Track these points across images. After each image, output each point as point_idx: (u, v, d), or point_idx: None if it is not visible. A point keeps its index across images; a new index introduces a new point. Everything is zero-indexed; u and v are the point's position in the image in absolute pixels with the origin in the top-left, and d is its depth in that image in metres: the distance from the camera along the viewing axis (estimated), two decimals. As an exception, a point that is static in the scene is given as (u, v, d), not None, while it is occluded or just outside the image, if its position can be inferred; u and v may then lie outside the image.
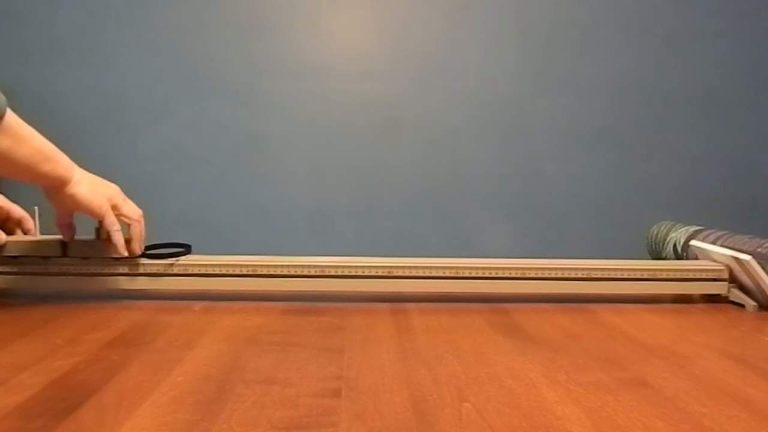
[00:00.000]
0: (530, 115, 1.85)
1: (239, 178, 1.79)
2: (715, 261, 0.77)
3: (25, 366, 0.47)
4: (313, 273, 0.72)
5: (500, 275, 0.73)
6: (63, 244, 0.71)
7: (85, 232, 0.73)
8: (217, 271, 0.72)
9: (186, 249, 0.74)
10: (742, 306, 0.72)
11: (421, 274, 0.72)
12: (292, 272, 0.72)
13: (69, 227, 0.72)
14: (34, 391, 0.42)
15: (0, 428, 0.37)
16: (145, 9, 1.78)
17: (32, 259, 0.72)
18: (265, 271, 0.72)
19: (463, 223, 1.83)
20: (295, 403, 0.41)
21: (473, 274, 0.73)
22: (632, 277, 0.74)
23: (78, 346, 0.53)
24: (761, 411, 0.41)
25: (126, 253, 0.71)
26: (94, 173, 0.71)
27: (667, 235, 0.95)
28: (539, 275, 0.73)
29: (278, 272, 0.72)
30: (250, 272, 0.72)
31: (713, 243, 0.81)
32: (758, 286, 0.71)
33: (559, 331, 0.61)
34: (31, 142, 0.63)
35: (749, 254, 0.71)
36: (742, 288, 0.74)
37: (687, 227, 0.92)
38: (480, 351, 0.53)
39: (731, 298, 0.74)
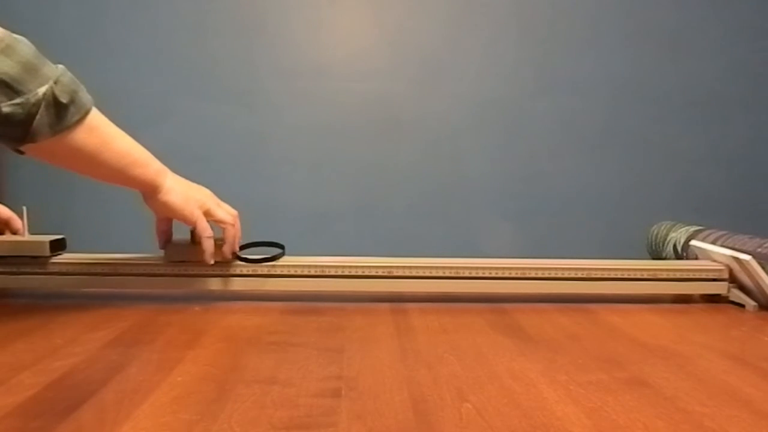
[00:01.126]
0: (530, 115, 1.85)
1: (239, 177, 1.79)
2: (715, 261, 0.77)
3: (25, 366, 0.47)
4: (313, 273, 0.72)
5: (500, 275, 0.73)
6: (51, 244, 0.71)
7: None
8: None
9: (281, 250, 0.73)
10: (742, 306, 0.72)
11: (421, 274, 0.72)
12: (292, 272, 0.72)
13: (164, 233, 0.72)
14: (34, 391, 0.42)
15: (0, 428, 0.37)
16: (145, 9, 1.78)
17: (21, 259, 0.71)
18: (266, 271, 0.72)
19: (463, 223, 1.83)
20: (295, 403, 0.41)
21: (473, 274, 0.73)
22: (632, 277, 0.74)
23: (78, 346, 0.53)
24: (761, 411, 0.41)
25: (212, 261, 0.70)
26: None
27: (667, 235, 0.95)
28: (539, 275, 0.73)
29: (278, 272, 0.72)
30: (251, 272, 0.72)
31: (713, 243, 0.81)
32: (758, 286, 0.71)
33: (559, 331, 0.61)
34: (119, 144, 0.63)
35: (749, 254, 0.71)
36: (742, 288, 0.74)
37: (687, 227, 0.92)
38: (480, 351, 0.53)
39: (731, 298, 0.74)
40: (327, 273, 0.72)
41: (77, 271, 0.72)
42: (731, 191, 1.86)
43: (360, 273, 0.72)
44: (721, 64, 1.85)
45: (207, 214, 0.70)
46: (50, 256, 0.71)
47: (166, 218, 0.71)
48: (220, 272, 0.72)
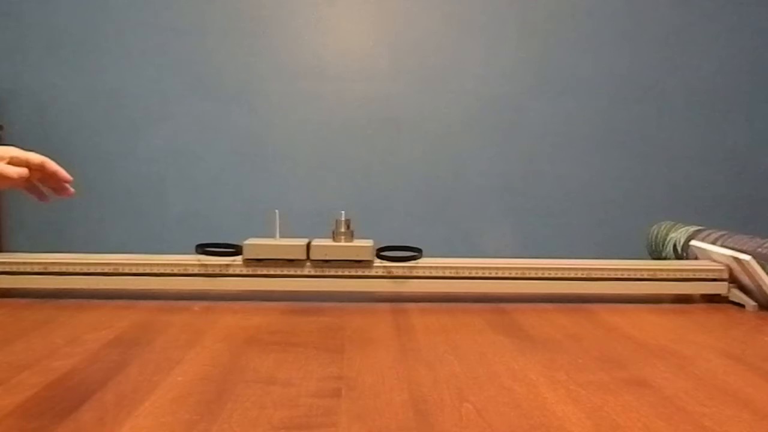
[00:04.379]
0: (530, 114, 1.85)
1: (239, 177, 1.79)
2: (715, 261, 0.77)
3: (25, 366, 0.47)
4: (313, 273, 0.72)
5: (500, 275, 0.73)
6: (306, 247, 0.71)
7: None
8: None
9: (418, 252, 0.73)
10: (742, 306, 0.72)
11: (421, 274, 0.72)
12: (292, 272, 0.72)
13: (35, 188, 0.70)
14: (34, 391, 0.42)
15: (0, 428, 0.37)
16: (145, 9, 1.78)
17: (277, 261, 0.72)
18: (264, 271, 0.72)
19: (463, 223, 1.83)
20: (295, 403, 0.41)
21: (473, 274, 0.73)
22: (632, 277, 0.74)
23: (78, 346, 0.53)
24: (761, 411, 0.41)
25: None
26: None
27: (667, 235, 0.95)
28: (539, 275, 0.73)
29: (278, 272, 0.72)
30: (249, 272, 0.72)
31: (713, 243, 0.81)
32: (758, 286, 0.71)
33: (559, 331, 0.61)
34: None
35: (749, 254, 0.71)
36: (742, 288, 0.74)
37: (687, 227, 0.92)
38: (480, 351, 0.53)
39: (731, 298, 0.74)
40: (327, 273, 0.72)
41: (77, 271, 0.72)
42: (731, 191, 1.86)
43: (360, 273, 0.72)
44: (721, 64, 1.85)
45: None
46: (305, 259, 0.72)
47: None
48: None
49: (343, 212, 0.73)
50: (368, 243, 0.73)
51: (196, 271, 0.72)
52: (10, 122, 1.65)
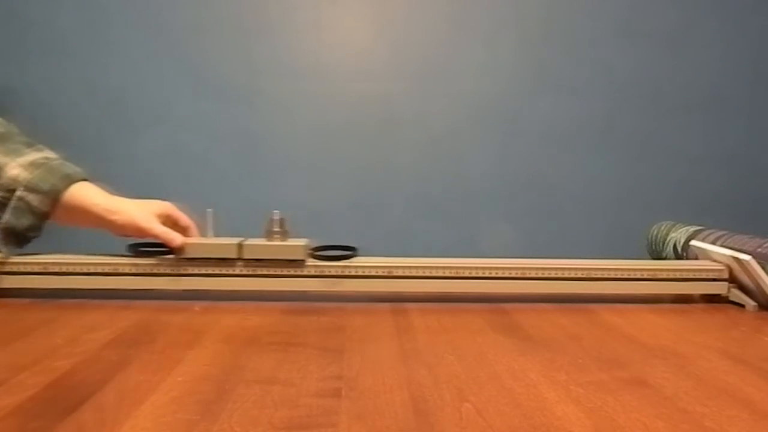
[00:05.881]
0: (530, 114, 1.85)
1: (239, 177, 1.79)
2: (715, 261, 0.77)
3: (25, 366, 0.47)
4: (313, 273, 0.72)
5: (500, 275, 0.73)
6: (238, 246, 0.71)
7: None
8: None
9: (353, 251, 0.73)
10: (742, 306, 0.72)
11: (421, 274, 0.72)
12: (294, 272, 0.72)
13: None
14: (34, 391, 0.42)
15: (0, 428, 0.37)
16: (145, 9, 1.77)
17: (209, 261, 0.72)
18: (266, 271, 0.72)
19: (463, 223, 1.83)
20: (295, 403, 0.41)
21: (473, 274, 0.73)
22: (632, 277, 0.74)
23: (78, 346, 0.53)
24: (761, 411, 0.41)
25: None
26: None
27: (667, 235, 0.95)
28: (539, 275, 0.73)
29: (280, 272, 0.72)
30: (250, 272, 0.72)
31: (713, 243, 0.81)
32: (758, 286, 0.71)
33: (559, 331, 0.61)
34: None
35: (749, 254, 0.71)
36: (742, 288, 0.74)
37: (687, 227, 0.92)
38: (480, 351, 0.53)
39: (731, 298, 0.74)
40: (327, 273, 0.72)
41: (77, 271, 0.72)
42: (731, 191, 1.86)
43: (360, 273, 0.72)
44: (721, 64, 1.85)
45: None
46: (237, 258, 0.72)
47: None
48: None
49: (277, 211, 0.73)
50: (301, 242, 0.72)
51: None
52: (10, 121, 1.64)
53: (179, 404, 0.40)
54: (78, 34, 1.76)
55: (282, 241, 0.73)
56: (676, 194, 1.84)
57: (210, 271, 0.72)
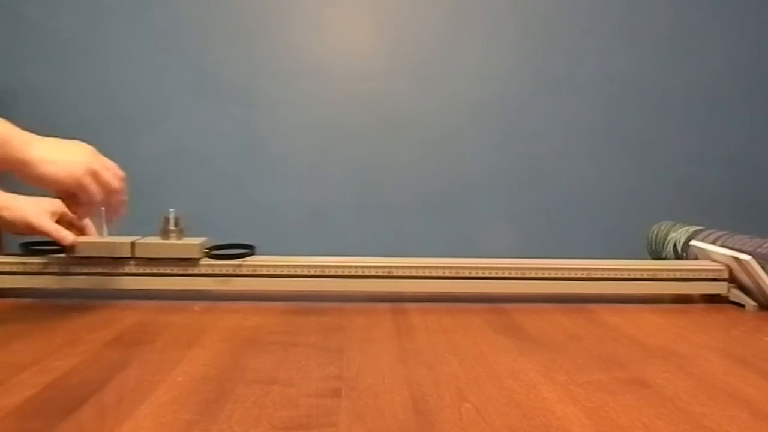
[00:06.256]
0: (530, 114, 1.85)
1: (239, 177, 1.79)
2: (715, 261, 0.77)
3: (25, 366, 0.47)
4: (313, 273, 0.72)
5: (500, 275, 0.73)
6: (132, 245, 0.71)
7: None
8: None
9: (250, 249, 0.73)
10: (742, 306, 0.72)
11: (421, 274, 0.72)
12: (292, 272, 0.72)
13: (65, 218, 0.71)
14: (34, 391, 0.42)
15: (0, 428, 0.37)
16: (145, 9, 1.77)
17: (101, 260, 0.71)
18: (265, 271, 0.72)
19: (463, 223, 1.83)
20: (295, 403, 0.41)
21: (473, 274, 0.73)
22: (632, 277, 0.74)
23: (78, 346, 0.53)
24: (761, 411, 0.41)
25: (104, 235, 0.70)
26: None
27: (667, 235, 0.95)
28: (539, 275, 0.73)
29: (278, 272, 0.72)
30: (250, 272, 0.72)
31: (713, 243, 0.81)
32: (758, 286, 0.71)
33: (559, 331, 0.61)
34: None
35: (749, 254, 0.71)
36: (742, 288, 0.74)
37: (687, 227, 0.92)
38: (480, 351, 0.53)
39: (731, 298, 0.74)
40: (327, 273, 0.72)
41: (78, 271, 0.72)
42: (731, 191, 1.86)
43: (360, 273, 0.72)
44: (722, 64, 1.85)
45: (94, 176, 0.62)
46: (130, 257, 0.71)
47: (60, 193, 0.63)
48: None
49: (172, 210, 0.73)
50: (196, 241, 0.72)
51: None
52: (10, 121, 1.64)
53: (179, 404, 0.40)
54: (77, 35, 1.76)
55: (177, 239, 0.72)
56: (676, 194, 1.84)
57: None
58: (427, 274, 0.72)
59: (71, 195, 0.64)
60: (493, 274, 0.73)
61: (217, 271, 0.71)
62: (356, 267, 0.72)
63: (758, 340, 0.61)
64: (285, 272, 0.72)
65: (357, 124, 1.82)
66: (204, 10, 1.79)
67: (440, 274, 0.73)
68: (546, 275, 0.73)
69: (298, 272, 0.72)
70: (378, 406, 0.41)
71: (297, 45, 1.81)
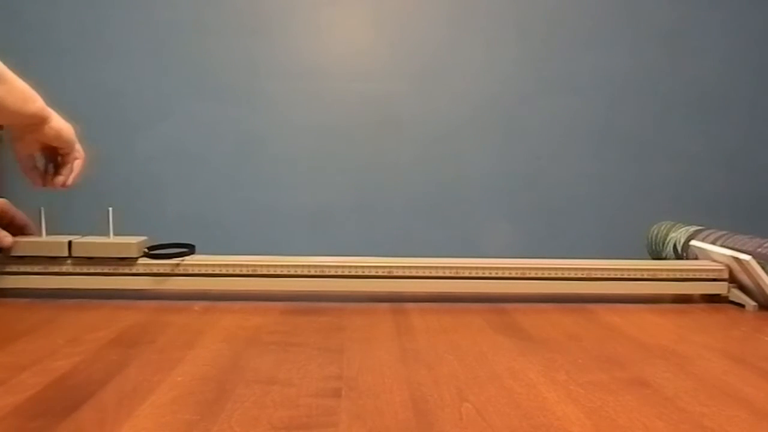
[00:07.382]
0: (530, 114, 1.85)
1: (239, 177, 1.79)
2: (715, 261, 0.77)
3: (25, 366, 0.47)
4: (313, 273, 0.72)
5: (500, 275, 0.73)
6: (69, 244, 0.71)
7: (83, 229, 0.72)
8: (217, 270, 0.72)
9: (190, 249, 0.73)
10: (742, 306, 0.72)
11: (421, 274, 0.72)
12: (292, 272, 0.72)
13: (37, 171, 0.73)
14: (34, 391, 0.42)
15: (0, 428, 0.37)
16: (145, 9, 1.78)
17: (38, 258, 0.71)
18: (265, 271, 0.72)
19: (463, 223, 1.83)
20: (295, 403, 0.41)
21: (473, 274, 0.73)
22: (632, 277, 0.74)
23: (78, 346, 0.53)
24: (761, 411, 0.41)
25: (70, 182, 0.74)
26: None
27: (667, 235, 0.95)
28: (539, 275, 0.73)
29: (278, 272, 0.72)
30: (250, 272, 0.72)
31: (713, 243, 0.81)
32: (758, 286, 0.71)
33: (559, 331, 0.61)
34: (17, 84, 0.63)
35: (749, 254, 0.71)
36: (742, 288, 0.74)
37: (687, 227, 0.92)
38: (480, 351, 0.53)
39: (731, 298, 0.74)
40: (327, 273, 0.72)
41: (77, 271, 0.72)
42: (731, 191, 1.86)
43: (360, 273, 0.72)
44: (722, 64, 1.85)
45: None
46: (67, 257, 0.71)
47: (35, 152, 0.72)
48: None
49: (110, 209, 0.73)
50: (134, 240, 0.72)
51: (197, 271, 0.71)
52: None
53: (179, 404, 0.40)
54: (77, 35, 1.76)
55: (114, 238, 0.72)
56: (676, 194, 1.84)
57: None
58: (427, 274, 0.72)
59: (54, 151, 0.73)
60: (493, 274, 0.73)
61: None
62: (356, 267, 0.72)
63: (758, 340, 0.61)
64: (285, 272, 0.72)
65: (357, 125, 1.82)
66: (204, 10, 1.79)
67: (440, 274, 0.73)
68: (546, 275, 0.73)
69: (298, 272, 0.72)
70: (378, 406, 0.41)
71: (297, 45, 1.81)
